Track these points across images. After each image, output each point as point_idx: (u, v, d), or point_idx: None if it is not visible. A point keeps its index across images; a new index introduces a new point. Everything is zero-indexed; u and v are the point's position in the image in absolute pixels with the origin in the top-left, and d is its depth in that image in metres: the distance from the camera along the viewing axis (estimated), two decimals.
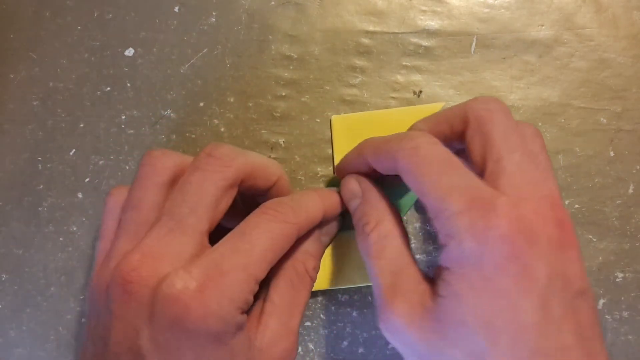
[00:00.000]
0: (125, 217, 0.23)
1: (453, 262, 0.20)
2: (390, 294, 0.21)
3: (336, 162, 0.29)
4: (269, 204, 0.23)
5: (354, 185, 0.25)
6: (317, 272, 0.26)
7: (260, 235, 0.22)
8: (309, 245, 0.25)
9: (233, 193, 0.23)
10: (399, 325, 0.21)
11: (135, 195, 0.23)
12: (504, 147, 0.21)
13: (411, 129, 0.25)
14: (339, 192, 0.26)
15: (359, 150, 0.25)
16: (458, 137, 0.24)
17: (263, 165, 0.24)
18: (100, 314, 0.22)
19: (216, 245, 0.22)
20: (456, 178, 0.20)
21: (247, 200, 0.27)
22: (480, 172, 0.21)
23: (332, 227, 0.27)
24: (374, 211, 0.24)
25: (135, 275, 0.21)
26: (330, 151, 0.30)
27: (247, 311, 0.23)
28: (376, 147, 0.24)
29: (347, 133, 0.29)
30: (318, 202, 0.25)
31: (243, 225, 0.22)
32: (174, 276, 0.20)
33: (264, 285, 0.25)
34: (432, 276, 0.22)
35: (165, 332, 0.20)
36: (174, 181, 0.24)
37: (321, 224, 0.26)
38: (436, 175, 0.20)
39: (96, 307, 0.23)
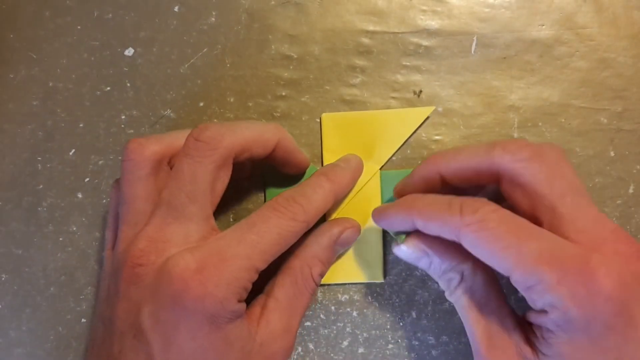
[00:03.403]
0: (121, 211, 0.24)
1: (556, 327, 0.19)
2: (486, 347, 0.22)
3: (325, 160, 0.29)
4: (280, 200, 0.23)
5: (412, 250, 0.24)
6: (321, 279, 0.26)
7: (270, 229, 0.22)
8: (321, 251, 0.25)
9: (228, 171, 0.24)
10: None
11: (124, 191, 0.24)
12: (552, 194, 0.21)
13: (426, 174, 0.24)
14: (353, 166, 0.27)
15: (405, 209, 0.23)
16: (486, 182, 0.23)
17: (255, 135, 0.24)
18: (109, 296, 0.23)
19: (225, 232, 0.22)
20: (535, 244, 0.19)
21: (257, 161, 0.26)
22: (536, 223, 0.21)
23: (349, 238, 0.27)
24: (452, 265, 0.23)
25: (144, 259, 0.22)
26: None
27: (248, 303, 0.23)
28: (428, 216, 0.22)
29: (337, 132, 0.29)
30: (329, 193, 0.25)
31: (254, 216, 0.23)
32: (178, 256, 0.21)
33: (266, 278, 0.25)
34: (522, 315, 0.22)
35: (165, 308, 0.21)
36: (159, 165, 0.25)
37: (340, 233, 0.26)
38: (515, 247, 0.19)
39: (106, 290, 0.24)
